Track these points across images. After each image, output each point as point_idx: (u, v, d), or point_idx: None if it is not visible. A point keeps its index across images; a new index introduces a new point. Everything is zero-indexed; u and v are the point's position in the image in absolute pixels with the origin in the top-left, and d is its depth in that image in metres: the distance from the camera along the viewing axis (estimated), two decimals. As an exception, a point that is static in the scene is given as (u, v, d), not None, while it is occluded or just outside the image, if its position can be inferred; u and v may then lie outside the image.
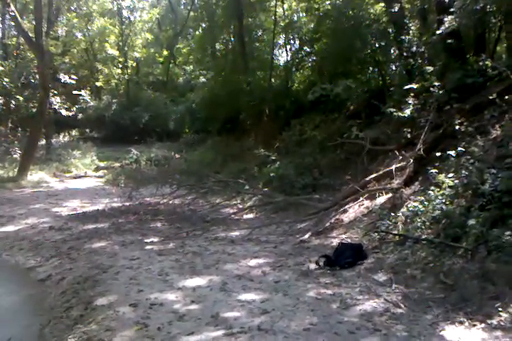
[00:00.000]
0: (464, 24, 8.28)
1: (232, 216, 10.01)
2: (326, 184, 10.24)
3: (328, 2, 13.65)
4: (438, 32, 8.52)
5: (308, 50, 16.24)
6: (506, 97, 7.33)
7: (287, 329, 4.18)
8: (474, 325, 4.10)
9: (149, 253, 7.05)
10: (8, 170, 17.39)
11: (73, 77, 24.14)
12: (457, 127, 7.59)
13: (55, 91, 21.87)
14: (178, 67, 32.50)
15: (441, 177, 6.55)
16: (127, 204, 10.96)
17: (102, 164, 21.04)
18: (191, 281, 5.65)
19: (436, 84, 8.61)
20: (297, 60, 16.87)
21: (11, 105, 21.13)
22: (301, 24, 16.77)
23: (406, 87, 9.28)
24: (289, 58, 17.56)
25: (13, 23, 20.80)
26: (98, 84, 28.99)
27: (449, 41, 8.70)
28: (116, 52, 28.09)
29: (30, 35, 17.32)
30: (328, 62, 13.41)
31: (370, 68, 13.29)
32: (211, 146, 18.32)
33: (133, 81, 29.50)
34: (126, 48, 28.65)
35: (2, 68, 20.41)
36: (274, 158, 12.11)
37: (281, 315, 4.49)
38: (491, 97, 7.50)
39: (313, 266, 6.14)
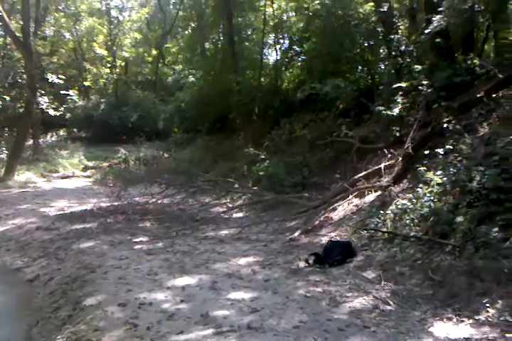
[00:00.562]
0: (453, 23, 8.31)
1: (222, 215, 10.00)
2: (315, 182, 10.26)
3: (317, 1, 13.62)
4: (426, 31, 8.56)
5: (297, 49, 16.24)
6: (494, 95, 7.39)
7: (277, 327, 4.17)
8: (462, 321, 4.13)
9: (138, 253, 7.01)
10: (-5, 170, 17.20)
11: (61, 76, 23.92)
12: (445, 125, 7.62)
13: (43, 91, 21.67)
14: (167, 66, 32.38)
15: (430, 174, 6.58)
16: (116, 203, 10.87)
17: (90, 164, 20.86)
18: (180, 280, 5.63)
19: (424, 82, 8.64)
20: (287, 59, 16.86)
21: (-2, 105, 20.94)
22: (291, 23, 16.77)
23: (395, 86, 9.32)
24: (278, 57, 17.53)
25: (0, 23, 20.58)
26: (86, 83, 28.81)
27: (438, 40, 8.74)
28: (104, 52, 27.93)
29: (18, 34, 17.19)
30: (318, 61, 13.41)
31: (359, 67, 13.33)
32: (200, 146, 18.25)
33: (121, 80, 29.32)
34: (114, 48, 28.50)
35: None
36: (263, 156, 12.11)
37: (270, 313, 4.48)
38: (478, 96, 7.56)
39: (302, 264, 6.15)
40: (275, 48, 17.87)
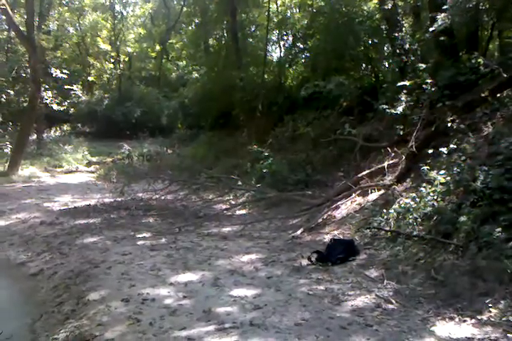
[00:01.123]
0: (457, 22, 8.28)
1: (225, 212, 10.01)
2: (318, 180, 10.26)
3: (321, -2, 13.66)
4: (431, 29, 8.50)
5: (301, 46, 16.20)
6: (498, 95, 7.39)
7: (279, 324, 4.19)
8: (464, 321, 4.14)
9: (141, 249, 7.04)
10: (-1, 164, 17.26)
11: (65, 71, 23.94)
12: (449, 124, 7.61)
13: (47, 86, 21.70)
14: (170, 62, 32.39)
15: (433, 174, 6.57)
16: (119, 199, 10.91)
17: (93, 159, 20.88)
18: (183, 276, 5.65)
19: (428, 81, 8.62)
20: (290, 56, 16.83)
21: (2, 99, 20.97)
22: (295, 20, 16.72)
23: (399, 84, 9.29)
24: (282, 54, 17.52)
25: (4, 17, 20.58)
26: (90, 78, 28.81)
27: (442, 39, 8.72)
28: (108, 47, 27.93)
29: (22, 29, 17.18)
30: (322, 58, 13.38)
31: (363, 65, 13.27)
32: (204, 142, 18.26)
33: (125, 76, 29.34)
34: (118, 43, 28.46)
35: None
36: (266, 154, 12.09)
37: (273, 311, 4.50)
38: (483, 95, 7.53)
39: (305, 261, 6.16)
40: (279, 45, 17.87)
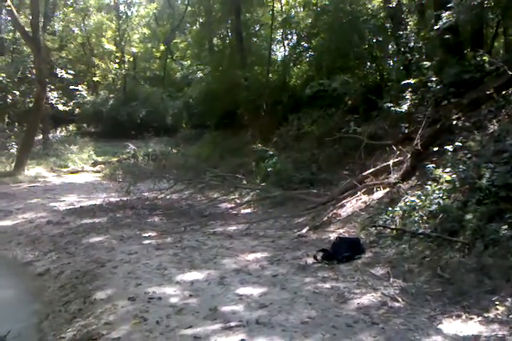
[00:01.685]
0: (462, 19, 8.23)
1: (230, 211, 10.03)
2: (323, 179, 10.25)
3: (325, -3, 13.64)
4: (436, 27, 8.50)
5: (305, 45, 16.16)
6: (503, 92, 7.35)
7: (285, 322, 4.19)
8: (471, 319, 4.12)
9: (147, 248, 7.05)
10: (5, 164, 17.36)
11: (70, 71, 24.05)
12: (454, 122, 7.60)
13: (52, 86, 21.79)
14: (175, 62, 32.41)
15: (439, 171, 6.55)
16: (125, 198, 10.95)
17: (99, 159, 20.97)
18: (189, 275, 5.66)
19: (433, 79, 8.61)
20: (295, 55, 16.80)
21: (8, 100, 21.07)
22: (299, 19, 16.70)
23: (403, 82, 9.28)
24: (286, 53, 17.52)
25: (9, 18, 20.68)
26: (95, 79, 28.88)
27: (447, 36, 8.67)
28: (113, 47, 27.98)
29: (27, 29, 17.25)
30: (326, 57, 13.37)
31: (368, 63, 13.24)
32: (208, 141, 18.30)
33: (130, 76, 29.39)
34: (123, 43, 28.52)
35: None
36: (271, 152, 12.10)
37: (279, 309, 4.50)
38: (488, 92, 7.51)
39: (310, 260, 6.15)
40: (283, 44, 17.89)
